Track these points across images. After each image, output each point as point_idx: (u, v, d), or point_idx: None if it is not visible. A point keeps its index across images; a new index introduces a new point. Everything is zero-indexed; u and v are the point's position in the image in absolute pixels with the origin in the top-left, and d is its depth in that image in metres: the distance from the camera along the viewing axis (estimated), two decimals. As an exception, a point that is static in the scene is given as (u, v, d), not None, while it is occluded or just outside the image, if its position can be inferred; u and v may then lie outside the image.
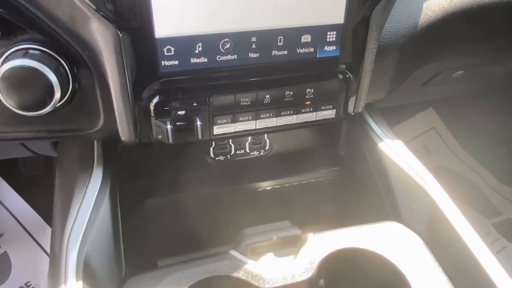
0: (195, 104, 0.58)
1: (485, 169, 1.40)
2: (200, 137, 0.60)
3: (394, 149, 0.70)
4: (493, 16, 0.74)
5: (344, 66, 0.62)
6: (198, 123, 0.59)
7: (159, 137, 0.59)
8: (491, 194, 1.36)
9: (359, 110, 0.68)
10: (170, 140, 0.59)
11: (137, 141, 0.59)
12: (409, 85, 0.81)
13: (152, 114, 0.57)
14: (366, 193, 0.76)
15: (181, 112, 0.58)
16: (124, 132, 0.58)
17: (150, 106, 0.57)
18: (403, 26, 0.67)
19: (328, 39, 0.59)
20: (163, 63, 0.54)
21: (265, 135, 0.78)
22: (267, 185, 0.80)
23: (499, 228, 1.27)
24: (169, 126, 0.58)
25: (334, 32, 0.59)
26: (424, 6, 0.68)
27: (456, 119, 1.44)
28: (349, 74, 0.63)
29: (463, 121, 1.42)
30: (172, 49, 0.53)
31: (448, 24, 0.70)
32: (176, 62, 0.54)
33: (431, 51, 0.73)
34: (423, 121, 1.47)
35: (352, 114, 0.68)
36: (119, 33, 0.50)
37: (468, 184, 1.39)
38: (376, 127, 0.76)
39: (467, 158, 1.43)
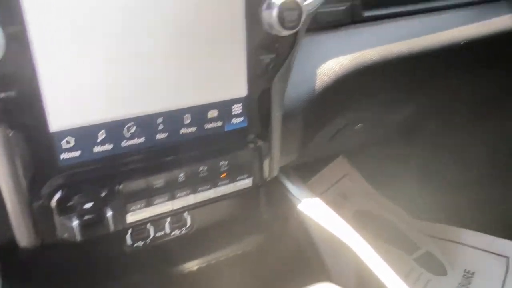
0: (103, 194, 0.54)
1: (398, 207, 1.49)
2: (112, 228, 0.55)
3: (312, 208, 0.72)
4: (378, 73, 0.82)
5: (253, 136, 0.64)
6: (109, 213, 0.55)
7: (65, 235, 0.53)
8: (407, 230, 1.44)
9: (275, 175, 0.69)
10: (78, 237, 0.53)
11: (39, 244, 0.53)
12: (316, 142, 0.85)
13: (55, 212, 0.52)
14: (294, 256, 0.75)
15: (88, 205, 0.53)
16: (23, 236, 0.52)
17: (51, 203, 0.51)
18: (303, 91, 0.71)
19: (234, 112, 0.60)
20: (62, 156, 0.50)
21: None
22: (192, 265, 0.76)
23: (420, 262, 1.34)
24: (75, 223, 0.53)
25: (240, 105, 0.60)
26: (318, 71, 0.74)
27: (366, 162, 1.54)
28: (260, 143, 0.65)
29: (373, 163, 1.52)
30: (72, 139, 0.50)
31: (341, 85, 0.76)
32: (77, 154, 0.51)
33: (330, 112, 0.79)
34: (336, 169, 1.54)
35: (268, 179, 0.68)
36: (9, 131, 0.46)
37: (386, 223, 1.46)
38: (292, 187, 0.77)
39: (381, 199, 1.52)
